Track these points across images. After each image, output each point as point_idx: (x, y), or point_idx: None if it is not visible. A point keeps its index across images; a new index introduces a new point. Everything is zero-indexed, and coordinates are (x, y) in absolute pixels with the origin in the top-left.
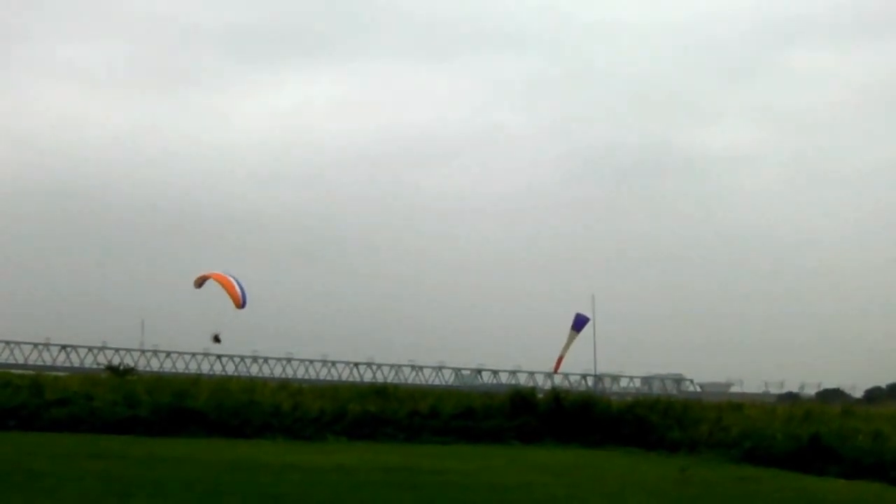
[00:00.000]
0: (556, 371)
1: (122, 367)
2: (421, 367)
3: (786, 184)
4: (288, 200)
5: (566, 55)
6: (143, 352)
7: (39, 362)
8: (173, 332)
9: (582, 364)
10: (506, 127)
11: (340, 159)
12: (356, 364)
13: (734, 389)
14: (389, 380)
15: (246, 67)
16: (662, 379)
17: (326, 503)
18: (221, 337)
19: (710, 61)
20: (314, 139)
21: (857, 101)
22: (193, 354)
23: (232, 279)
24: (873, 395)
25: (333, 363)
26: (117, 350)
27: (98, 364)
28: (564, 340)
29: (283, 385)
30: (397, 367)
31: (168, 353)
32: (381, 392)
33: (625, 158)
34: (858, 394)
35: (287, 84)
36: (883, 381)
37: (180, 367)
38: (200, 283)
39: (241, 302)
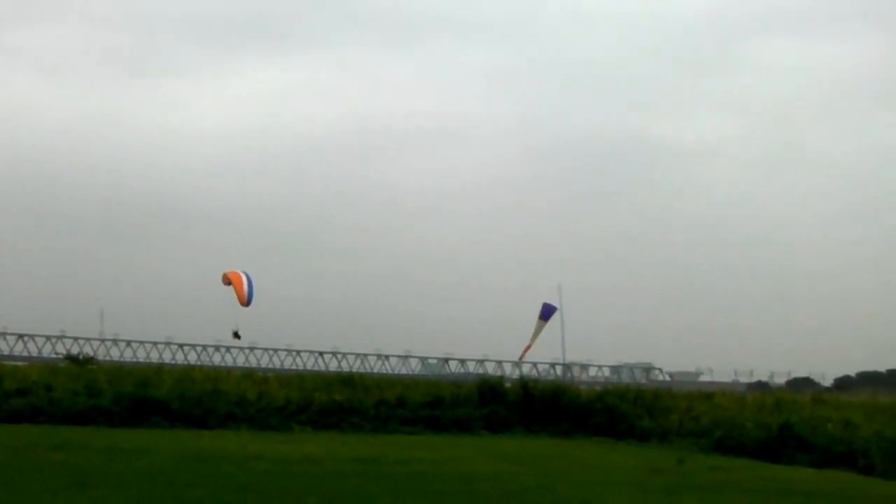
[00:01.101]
0: (521, 360)
1: (81, 357)
2: (387, 356)
3: (756, 174)
4: (249, 189)
5: (535, 44)
6: (102, 341)
7: None
8: (134, 321)
9: (551, 353)
10: (473, 116)
11: (303, 148)
12: (321, 353)
13: (704, 378)
14: (355, 369)
15: (208, 54)
16: (632, 368)
17: (294, 494)
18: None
19: (681, 52)
20: (277, 127)
21: (829, 93)
22: (155, 343)
23: (244, 277)
24: (843, 383)
25: (298, 352)
26: (76, 339)
27: (57, 353)
28: (532, 330)
29: (248, 374)
30: (363, 356)
31: (129, 343)
32: (347, 381)
33: (594, 149)
34: (828, 382)
35: (250, 71)
36: (853, 370)
37: (141, 356)
38: (227, 282)
39: (245, 300)
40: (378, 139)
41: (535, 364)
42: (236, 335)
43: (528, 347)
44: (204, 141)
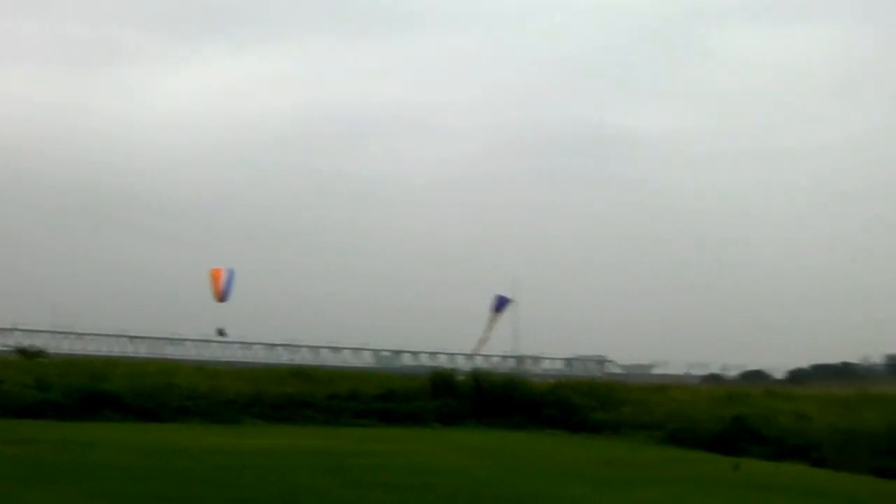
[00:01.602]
0: (476, 352)
1: (31, 350)
2: (340, 349)
3: (718, 165)
4: (209, 180)
5: (496, 32)
6: (54, 333)
7: None
8: (86, 313)
9: (504, 345)
10: (434, 105)
11: (264, 138)
12: (274, 345)
13: (657, 371)
14: (308, 361)
15: (168, 42)
16: (585, 360)
17: (249, 487)
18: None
19: (644, 40)
20: (238, 117)
21: (794, 83)
22: (107, 336)
23: (225, 274)
24: (796, 375)
25: (250, 345)
26: (27, 332)
27: (6, 346)
28: (486, 323)
29: (200, 367)
30: (316, 349)
31: (80, 335)
32: (299, 374)
33: (554, 138)
34: (781, 375)
35: (212, 60)
36: (806, 362)
37: (93, 349)
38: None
39: (220, 297)
40: (338, 130)
41: (487, 357)
42: (221, 332)
43: (483, 340)
44: (164, 131)
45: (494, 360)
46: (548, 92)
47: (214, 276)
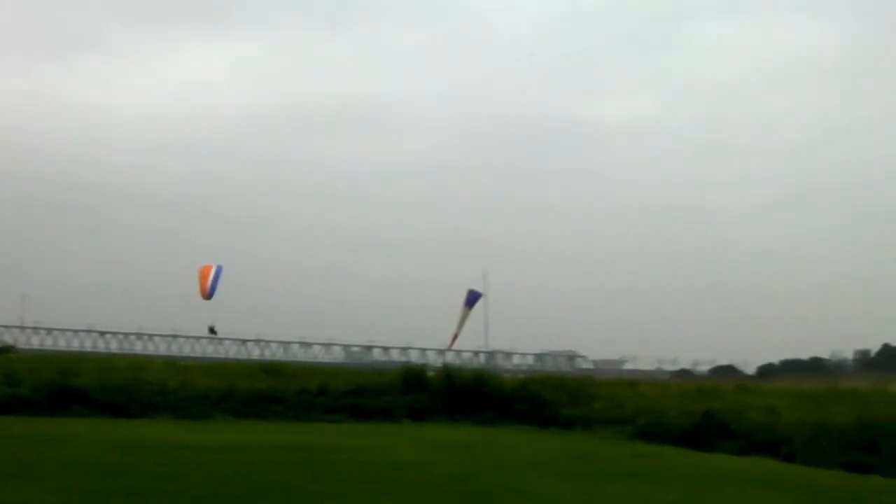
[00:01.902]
0: (449, 347)
1: (0, 346)
2: (310, 344)
3: (684, 155)
4: (178, 171)
5: (463, 24)
6: (23, 329)
7: None
8: (56, 308)
9: (475, 341)
10: (402, 97)
11: (233, 130)
12: (244, 341)
13: (627, 366)
14: (278, 357)
15: (139, 34)
16: (555, 356)
17: (218, 483)
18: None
19: (610, 31)
20: (205, 108)
21: (758, 76)
22: (77, 331)
23: (213, 272)
24: (766, 371)
25: (221, 340)
26: None
27: None
28: (458, 317)
29: (170, 362)
30: (286, 344)
31: (50, 331)
32: (269, 369)
33: (521, 129)
34: (751, 370)
35: (182, 52)
36: (776, 357)
37: (63, 344)
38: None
39: (206, 294)
40: (308, 121)
41: (458, 352)
42: (212, 331)
43: (456, 335)
44: (132, 122)
45: (465, 355)
46: (517, 83)
47: (203, 273)
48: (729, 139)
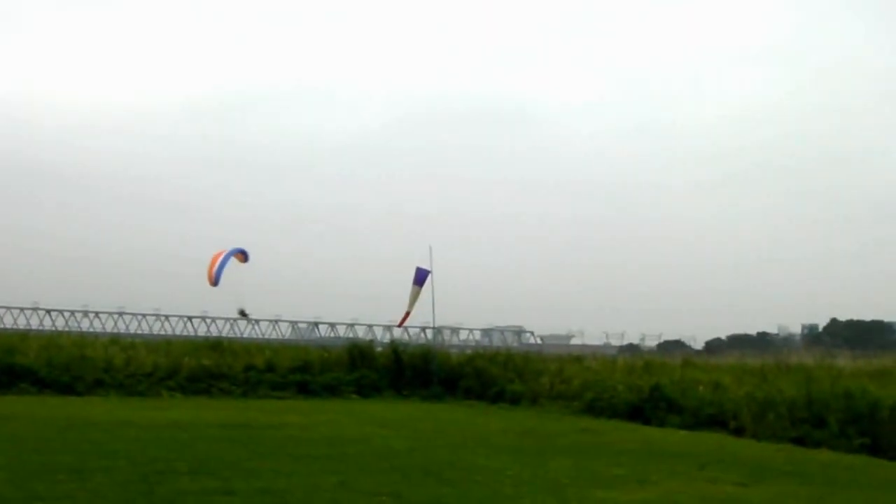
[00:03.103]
0: (401, 325)
1: None
2: (257, 321)
3: (626, 134)
4: (119, 150)
5: (405, 4)
6: None
7: None
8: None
9: (421, 316)
10: (331, 75)
11: (155, 111)
12: (190, 318)
13: (575, 341)
14: (224, 333)
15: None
16: (503, 331)
17: (163, 460)
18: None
19: (546, 10)
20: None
21: (695, 57)
22: (22, 309)
23: (221, 257)
24: (713, 346)
25: (167, 317)
26: None
27: None
28: (408, 296)
29: (115, 340)
30: (232, 321)
31: None
32: (215, 346)
33: (457, 107)
34: (699, 345)
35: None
36: (723, 333)
37: (8, 322)
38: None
39: (212, 281)
40: (236, 100)
41: (405, 328)
42: (243, 314)
43: (408, 314)
44: (68, 100)
45: (413, 331)
46: (452, 61)
47: (213, 260)
48: (671, 118)
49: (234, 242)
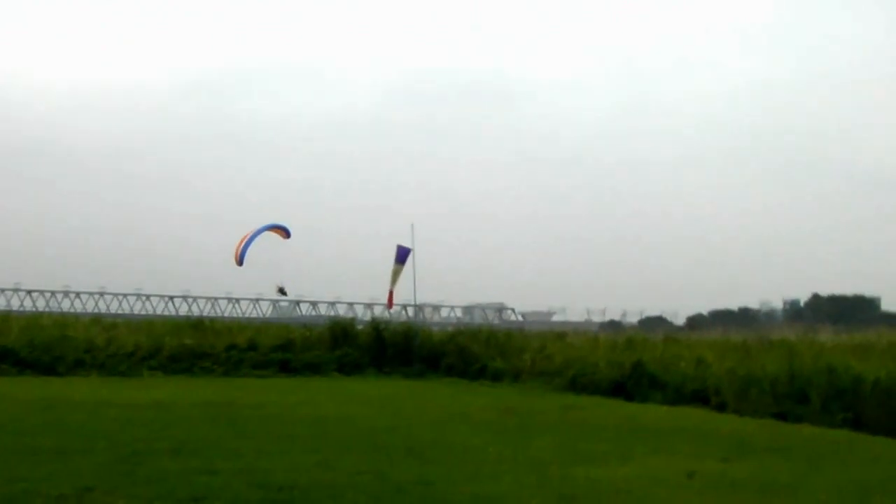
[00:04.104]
0: (389, 307)
1: None
2: (238, 300)
3: (612, 114)
4: (108, 130)
5: None
6: None
7: None
8: None
9: (402, 294)
10: (320, 52)
11: (143, 88)
12: (171, 297)
13: (556, 318)
14: (206, 313)
15: None
16: (484, 308)
17: (144, 440)
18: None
19: None
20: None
21: (682, 34)
22: (3, 290)
23: (248, 236)
24: (695, 322)
25: (148, 297)
26: None
27: None
28: (390, 274)
29: (97, 320)
30: (214, 300)
31: None
32: (197, 325)
33: (445, 85)
34: (681, 321)
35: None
36: (704, 308)
37: None
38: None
39: (237, 260)
40: (224, 79)
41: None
42: (282, 291)
43: (392, 293)
44: (49, 78)
45: (394, 309)
46: (442, 39)
47: (242, 239)
48: (655, 96)
49: (221, 221)
